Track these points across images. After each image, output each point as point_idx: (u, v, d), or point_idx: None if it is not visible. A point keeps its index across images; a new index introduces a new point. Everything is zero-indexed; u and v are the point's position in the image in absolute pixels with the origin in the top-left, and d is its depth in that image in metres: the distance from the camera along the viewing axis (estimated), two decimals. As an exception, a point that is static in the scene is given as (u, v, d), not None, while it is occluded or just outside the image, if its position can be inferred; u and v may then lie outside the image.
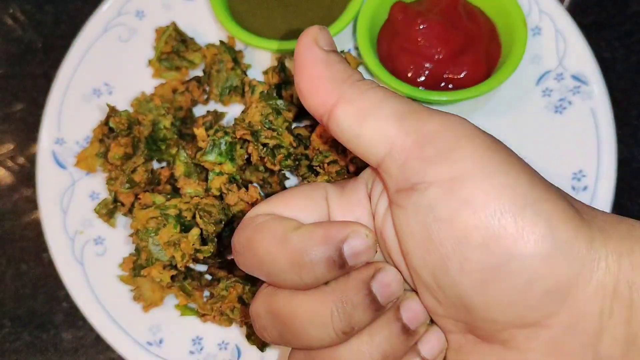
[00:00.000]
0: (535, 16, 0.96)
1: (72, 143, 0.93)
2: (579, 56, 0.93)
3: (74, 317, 0.92)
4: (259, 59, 1.00)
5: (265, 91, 0.90)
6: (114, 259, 0.88)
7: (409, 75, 0.92)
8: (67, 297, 0.89)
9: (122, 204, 0.86)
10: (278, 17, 0.96)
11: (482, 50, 0.93)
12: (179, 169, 0.84)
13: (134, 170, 0.85)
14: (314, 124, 0.89)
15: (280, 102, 0.89)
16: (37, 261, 0.96)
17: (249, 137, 0.84)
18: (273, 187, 0.90)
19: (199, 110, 0.98)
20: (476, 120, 0.94)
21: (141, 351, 0.84)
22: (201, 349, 0.85)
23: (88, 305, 0.85)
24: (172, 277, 0.81)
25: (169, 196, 0.82)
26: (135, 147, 0.87)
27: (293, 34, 0.96)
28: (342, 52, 0.95)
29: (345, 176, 0.88)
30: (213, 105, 0.98)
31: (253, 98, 0.89)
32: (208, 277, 0.88)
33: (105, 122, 0.90)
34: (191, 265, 0.87)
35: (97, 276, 0.87)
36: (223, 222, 0.84)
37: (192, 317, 0.85)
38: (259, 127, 0.86)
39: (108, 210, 0.89)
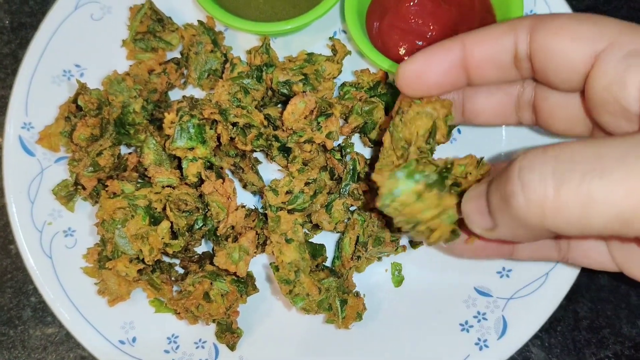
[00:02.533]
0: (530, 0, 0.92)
1: (40, 128, 0.87)
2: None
3: (43, 312, 0.88)
4: (241, 40, 0.95)
5: (245, 72, 0.85)
6: (85, 252, 0.83)
7: (401, 53, 0.87)
8: (35, 292, 0.85)
9: (84, 188, 0.81)
10: (260, -4, 0.91)
11: (476, 25, 0.88)
12: (148, 157, 0.79)
13: (99, 154, 0.79)
14: (283, 107, 0.85)
15: (248, 81, 0.85)
16: (4, 253, 0.91)
17: (217, 117, 0.79)
18: (245, 171, 0.86)
19: (176, 95, 0.93)
20: None
21: (113, 350, 0.80)
22: (177, 348, 0.81)
23: (57, 302, 0.81)
24: (140, 271, 0.76)
25: (138, 185, 0.78)
26: (103, 129, 0.82)
27: (276, 16, 0.91)
28: (330, 38, 0.90)
29: (319, 154, 0.85)
30: (191, 90, 0.93)
31: (230, 76, 0.85)
32: (179, 269, 0.84)
33: (74, 100, 0.84)
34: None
35: (66, 270, 0.83)
36: (200, 210, 0.80)
37: (168, 313, 0.81)
38: (228, 106, 0.81)
39: (67, 193, 0.84)
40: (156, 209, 0.74)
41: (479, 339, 0.80)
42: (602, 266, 0.61)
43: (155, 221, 0.74)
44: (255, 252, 0.80)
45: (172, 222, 0.74)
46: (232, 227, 0.78)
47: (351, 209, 0.84)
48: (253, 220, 0.81)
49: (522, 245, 0.62)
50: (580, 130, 0.60)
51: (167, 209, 0.73)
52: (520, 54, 0.56)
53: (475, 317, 0.82)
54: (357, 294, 0.80)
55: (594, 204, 0.40)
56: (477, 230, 0.53)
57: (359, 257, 0.80)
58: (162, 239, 0.72)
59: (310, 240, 0.85)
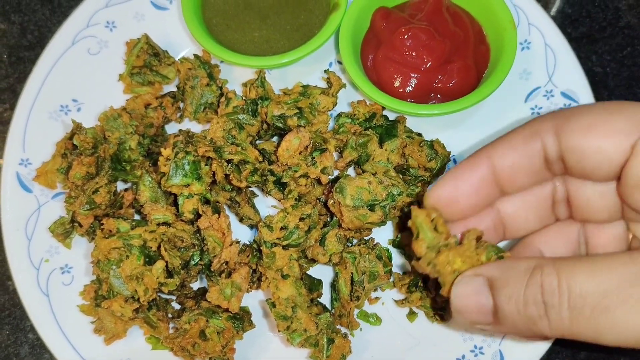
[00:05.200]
0: (524, 29, 0.92)
1: (37, 164, 0.88)
2: (569, 72, 0.90)
3: (41, 349, 0.88)
4: (237, 73, 0.96)
5: (240, 106, 0.85)
6: (82, 289, 0.83)
7: (395, 85, 0.88)
8: (33, 329, 0.84)
9: (80, 225, 0.82)
10: (255, 30, 0.92)
11: (470, 56, 0.89)
12: (144, 195, 0.80)
13: (95, 191, 0.80)
14: (279, 140, 0.85)
15: (243, 116, 0.85)
16: (2, 289, 0.91)
17: (212, 154, 0.79)
18: (241, 205, 0.86)
19: (172, 128, 0.94)
20: (464, 134, 0.93)
21: (110, 389, 0.80)
22: (174, 386, 0.81)
23: (54, 340, 0.81)
24: (136, 309, 0.77)
25: (133, 223, 0.78)
26: (99, 167, 0.82)
27: (271, 49, 0.91)
28: (325, 70, 0.91)
29: (315, 187, 0.85)
30: (188, 124, 0.94)
31: (225, 111, 0.85)
32: (176, 305, 0.84)
33: (70, 137, 0.85)
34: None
35: (63, 308, 0.83)
36: (196, 247, 0.80)
37: (164, 350, 0.81)
38: (222, 143, 0.81)
39: (64, 230, 0.84)
40: (151, 248, 0.75)
41: (477, 374, 0.80)
42: None
43: (150, 261, 0.74)
44: (249, 288, 0.80)
45: (166, 262, 0.74)
46: (226, 263, 0.78)
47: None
48: (247, 256, 0.81)
49: None
50: (617, 217, 0.60)
51: (162, 248, 0.74)
52: (550, 157, 0.56)
53: (472, 351, 0.81)
54: (345, 336, 0.80)
55: (601, 333, 0.48)
56: (469, 323, 0.55)
57: (357, 297, 0.80)
58: (157, 278, 0.72)
59: (307, 272, 0.85)
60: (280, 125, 0.85)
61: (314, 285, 0.84)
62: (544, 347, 0.79)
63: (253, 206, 0.88)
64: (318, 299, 0.84)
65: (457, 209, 0.58)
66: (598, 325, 0.47)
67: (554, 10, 1.02)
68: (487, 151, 0.57)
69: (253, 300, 0.86)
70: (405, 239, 0.85)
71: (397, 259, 0.87)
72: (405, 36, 0.87)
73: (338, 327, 0.82)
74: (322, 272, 0.87)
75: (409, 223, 0.58)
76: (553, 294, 0.49)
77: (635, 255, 0.47)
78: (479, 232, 0.56)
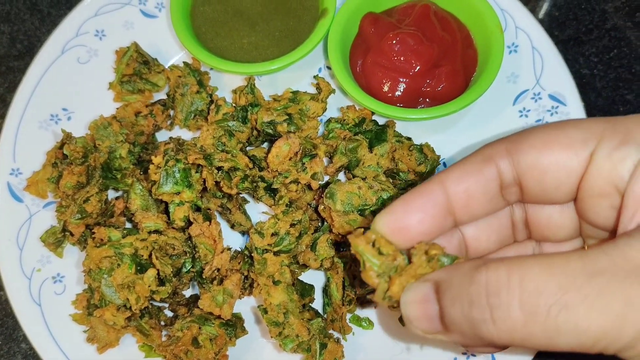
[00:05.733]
0: (511, 32, 0.93)
1: (28, 174, 0.88)
2: (556, 75, 0.90)
3: (34, 359, 0.88)
4: (227, 80, 0.96)
5: (230, 113, 0.86)
6: (74, 298, 0.83)
7: (384, 90, 0.88)
8: (26, 338, 0.84)
9: (72, 234, 0.82)
10: (244, 37, 0.92)
11: (458, 60, 0.89)
12: (135, 203, 0.80)
13: (86, 200, 0.80)
14: (269, 146, 0.86)
15: (232, 123, 0.85)
16: (-6, 299, 0.91)
17: (202, 162, 0.80)
18: (233, 212, 0.86)
19: (163, 136, 0.94)
20: (453, 138, 0.93)
21: (103, 398, 0.80)
22: (168, 393, 0.81)
23: (46, 350, 0.81)
24: (128, 317, 0.77)
25: (125, 231, 0.78)
26: (89, 176, 0.82)
27: (260, 56, 0.92)
28: (315, 76, 0.91)
29: (306, 192, 0.85)
30: (178, 131, 0.94)
31: (215, 118, 0.85)
32: (169, 313, 0.84)
33: (60, 147, 0.85)
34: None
35: (55, 318, 0.83)
36: (188, 255, 0.80)
37: (158, 358, 0.81)
38: (212, 150, 0.82)
39: (56, 239, 0.84)
40: (142, 256, 0.75)
41: (469, 376, 0.81)
42: None
43: (141, 269, 0.74)
44: (241, 295, 0.81)
45: (158, 270, 0.74)
46: (218, 270, 0.79)
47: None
48: (239, 263, 0.81)
49: None
50: (575, 235, 0.58)
51: (153, 256, 0.74)
52: (506, 181, 0.53)
53: (464, 353, 0.82)
54: (338, 340, 0.80)
55: (560, 335, 0.42)
56: (419, 333, 0.50)
57: (350, 301, 0.80)
58: (149, 286, 0.73)
59: (299, 278, 0.86)
60: (270, 131, 0.86)
61: (305, 290, 0.84)
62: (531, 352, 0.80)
63: (244, 213, 0.88)
64: (310, 304, 0.84)
65: (407, 237, 0.53)
66: (556, 326, 0.42)
67: (541, 13, 1.03)
68: (440, 178, 0.54)
69: (245, 306, 0.86)
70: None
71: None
72: (394, 41, 0.87)
73: (331, 331, 0.82)
74: (314, 278, 0.87)
75: (352, 251, 0.54)
76: (500, 291, 0.43)
77: (590, 252, 0.44)
78: (426, 245, 0.52)
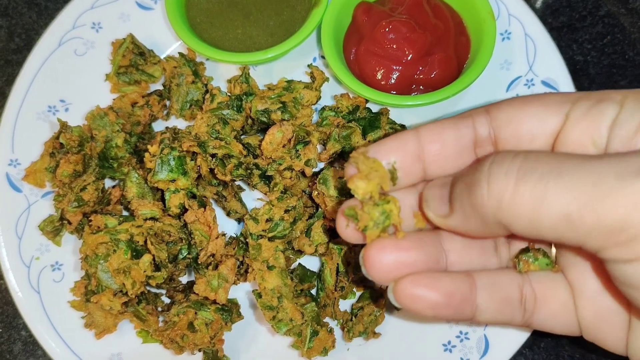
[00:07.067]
0: (504, 20, 0.93)
1: (26, 164, 0.89)
2: (549, 61, 0.91)
3: (34, 346, 0.89)
4: (222, 69, 0.97)
5: (225, 102, 0.87)
6: (73, 285, 0.84)
7: (378, 78, 0.89)
8: (26, 326, 0.85)
9: (69, 223, 0.83)
10: (238, 27, 0.93)
11: (451, 47, 0.90)
12: (131, 191, 0.81)
13: (83, 189, 0.81)
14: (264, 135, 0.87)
15: (227, 112, 0.86)
16: (-5, 287, 0.93)
17: (196, 149, 0.81)
18: (228, 199, 0.87)
19: (160, 126, 0.95)
20: None
21: (102, 384, 0.81)
22: (165, 377, 0.82)
23: (45, 336, 0.82)
24: (125, 303, 0.78)
25: (121, 219, 0.79)
26: (86, 165, 0.83)
27: (254, 45, 0.93)
28: (309, 65, 0.92)
29: (300, 179, 0.86)
30: (174, 121, 0.95)
31: (210, 107, 0.86)
32: (166, 299, 0.85)
33: (57, 136, 0.86)
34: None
35: (54, 305, 0.84)
36: (184, 241, 0.81)
37: (155, 343, 0.83)
38: (206, 138, 0.83)
39: (54, 228, 0.85)
40: (138, 242, 0.76)
41: (462, 359, 0.81)
42: (566, 329, 0.59)
43: (137, 255, 0.75)
44: (236, 280, 0.82)
45: (153, 255, 0.75)
46: (212, 255, 0.80)
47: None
48: (233, 248, 0.82)
49: (484, 307, 0.57)
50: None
51: (148, 242, 0.75)
52: (481, 137, 0.55)
53: (457, 336, 0.82)
54: (331, 330, 0.81)
55: (545, 202, 0.43)
56: (431, 215, 0.54)
57: (342, 287, 0.81)
58: (145, 272, 0.74)
59: (302, 264, 0.86)
60: (265, 119, 0.87)
61: (306, 276, 0.85)
62: (527, 332, 0.81)
63: (240, 200, 0.89)
64: (310, 290, 0.85)
65: None
66: (545, 191, 0.43)
67: (538, 3, 1.03)
68: (417, 129, 0.56)
69: (241, 292, 0.87)
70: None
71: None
72: (387, 29, 0.88)
73: (326, 320, 0.83)
74: (310, 264, 0.88)
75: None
76: (504, 161, 0.46)
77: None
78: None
